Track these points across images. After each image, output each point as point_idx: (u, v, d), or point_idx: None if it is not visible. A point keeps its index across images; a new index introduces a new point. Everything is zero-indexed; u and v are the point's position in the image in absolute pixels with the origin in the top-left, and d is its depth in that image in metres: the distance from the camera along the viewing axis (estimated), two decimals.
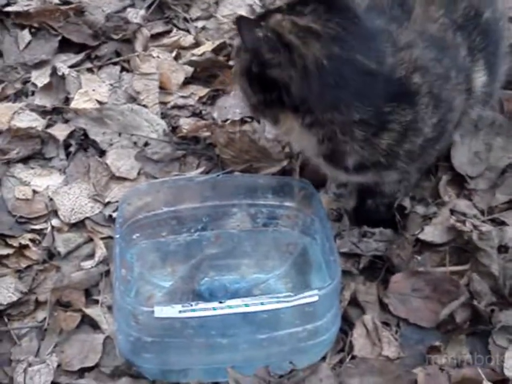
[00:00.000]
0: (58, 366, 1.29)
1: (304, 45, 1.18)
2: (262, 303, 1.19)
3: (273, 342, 1.23)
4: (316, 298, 1.19)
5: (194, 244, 1.44)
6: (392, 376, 1.23)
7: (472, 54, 1.35)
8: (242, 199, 1.45)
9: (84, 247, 1.48)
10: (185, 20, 1.99)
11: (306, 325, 1.22)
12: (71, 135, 1.67)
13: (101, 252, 1.45)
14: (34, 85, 1.80)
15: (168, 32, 1.95)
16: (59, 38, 1.89)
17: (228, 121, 1.67)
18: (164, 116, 1.72)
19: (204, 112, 1.73)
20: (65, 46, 1.89)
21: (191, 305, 1.18)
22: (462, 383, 1.23)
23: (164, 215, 1.43)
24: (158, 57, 1.83)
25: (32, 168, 1.62)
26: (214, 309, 1.18)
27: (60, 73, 1.78)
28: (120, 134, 1.66)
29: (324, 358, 1.29)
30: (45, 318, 1.37)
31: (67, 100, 1.75)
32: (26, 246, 1.46)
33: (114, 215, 1.49)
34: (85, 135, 1.67)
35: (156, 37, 1.93)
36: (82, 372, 1.29)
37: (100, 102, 1.73)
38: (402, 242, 1.42)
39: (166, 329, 1.20)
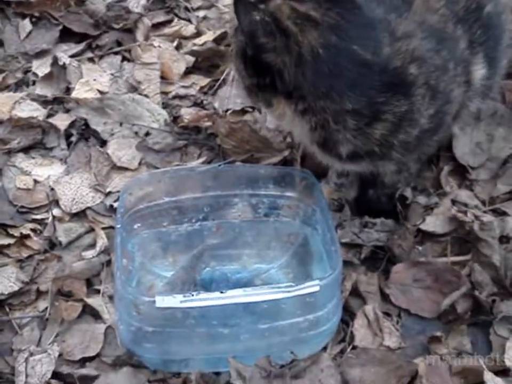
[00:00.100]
0: (60, 355, 1.29)
1: (301, 32, 1.17)
2: (263, 293, 1.19)
3: (274, 332, 1.23)
4: (317, 288, 1.19)
5: (196, 234, 1.44)
6: (393, 367, 1.23)
7: (472, 46, 1.34)
8: (244, 189, 1.45)
9: (85, 237, 1.48)
10: (187, 9, 1.98)
11: (307, 315, 1.23)
12: (72, 124, 1.67)
13: (102, 241, 1.45)
14: (35, 74, 1.80)
15: (169, 21, 1.95)
16: (60, 27, 1.88)
17: (229, 111, 1.66)
18: (165, 105, 1.71)
19: (205, 102, 1.73)
20: (66, 35, 1.88)
21: (193, 295, 1.18)
22: (463, 373, 1.23)
23: (165, 205, 1.43)
24: (159, 46, 1.83)
25: (33, 158, 1.62)
26: (215, 299, 1.18)
27: (60, 63, 1.78)
28: (121, 124, 1.66)
29: (325, 348, 1.29)
30: (46, 308, 1.37)
31: (68, 90, 1.75)
32: (27, 236, 1.46)
33: (115, 205, 1.49)
34: (86, 125, 1.67)
35: (157, 26, 1.93)
36: (83, 362, 1.29)
37: (101, 92, 1.73)
38: (403, 232, 1.42)
39: (167, 319, 1.20)
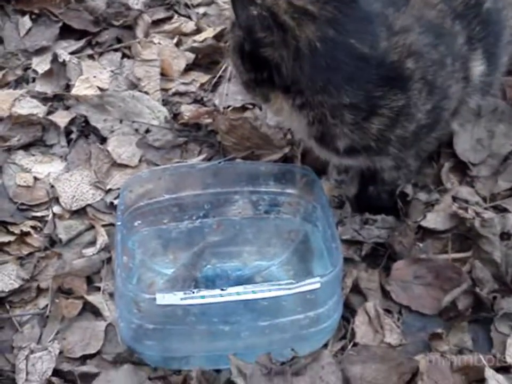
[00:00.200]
0: (60, 353, 1.29)
1: (299, 26, 1.17)
2: (263, 291, 1.19)
3: (275, 329, 1.23)
4: (317, 285, 1.19)
5: (196, 231, 1.44)
6: (394, 363, 1.23)
7: (471, 42, 1.34)
8: (244, 186, 1.45)
9: (85, 234, 1.48)
10: (187, 6, 1.98)
11: (308, 312, 1.22)
12: (72, 122, 1.67)
13: (102, 239, 1.44)
14: (35, 71, 1.80)
15: (169, 18, 1.94)
16: (60, 24, 1.88)
17: (230, 108, 1.66)
18: (165, 102, 1.71)
19: (205, 98, 1.73)
20: (66, 32, 1.88)
21: (193, 292, 1.18)
22: (464, 370, 1.23)
23: (165, 202, 1.43)
24: (159, 43, 1.83)
25: (33, 155, 1.62)
26: (216, 296, 1.18)
27: (60, 60, 1.77)
28: (121, 121, 1.66)
29: (325, 345, 1.29)
30: (46, 305, 1.37)
31: (68, 87, 1.75)
32: (27, 233, 1.46)
33: (115, 202, 1.49)
34: (86, 122, 1.67)
35: (157, 23, 1.93)
36: (84, 359, 1.29)
37: (101, 89, 1.73)
38: (404, 229, 1.42)
39: (168, 316, 1.20)
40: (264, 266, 1.41)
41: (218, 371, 1.25)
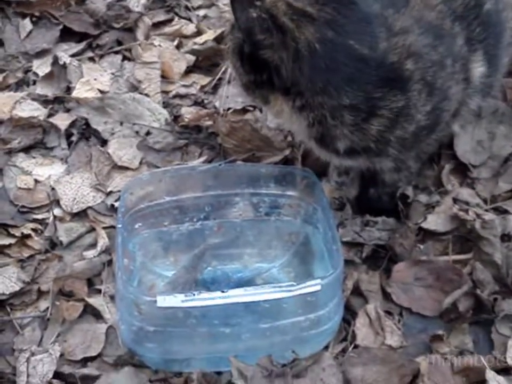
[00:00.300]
0: (61, 355, 1.29)
1: (298, 28, 1.18)
2: (264, 293, 1.19)
3: (276, 331, 1.23)
4: (318, 287, 1.19)
5: (197, 233, 1.44)
6: (395, 365, 1.23)
7: (471, 44, 1.34)
8: (245, 188, 1.45)
9: (86, 237, 1.48)
10: (187, 8, 1.98)
11: (308, 314, 1.22)
12: (72, 124, 1.67)
13: (103, 241, 1.44)
14: (35, 74, 1.80)
15: (169, 20, 1.95)
16: (60, 27, 1.88)
17: (230, 110, 1.66)
18: (165, 105, 1.71)
19: (205, 101, 1.73)
20: (67, 35, 1.88)
21: (194, 294, 1.18)
22: (465, 372, 1.23)
23: (166, 205, 1.43)
24: (159, 46, 1.83)
25: (34, 157, 1.62)
26: (217, 298, 1.18)
27: (61, 62, 1.78)
28: (122, 123, 1.66)
29: (326, 347, 1.29)
30: (47, 308, 1.37)
31: (68, 89, 1.75)
32: (28, 236, 1.46)
33: (116, 204, 1.49)
34: (87, 124, 1.67)
35: (157, 25, 1.93)
36: (85, 361, 1.29)
37: (101, 91, 1.73)
38: (405, 231, 1.42)
39: (169, 318, 1.20)
40: (265, 269, 1.41)
41: (219, 373, 1.25)
